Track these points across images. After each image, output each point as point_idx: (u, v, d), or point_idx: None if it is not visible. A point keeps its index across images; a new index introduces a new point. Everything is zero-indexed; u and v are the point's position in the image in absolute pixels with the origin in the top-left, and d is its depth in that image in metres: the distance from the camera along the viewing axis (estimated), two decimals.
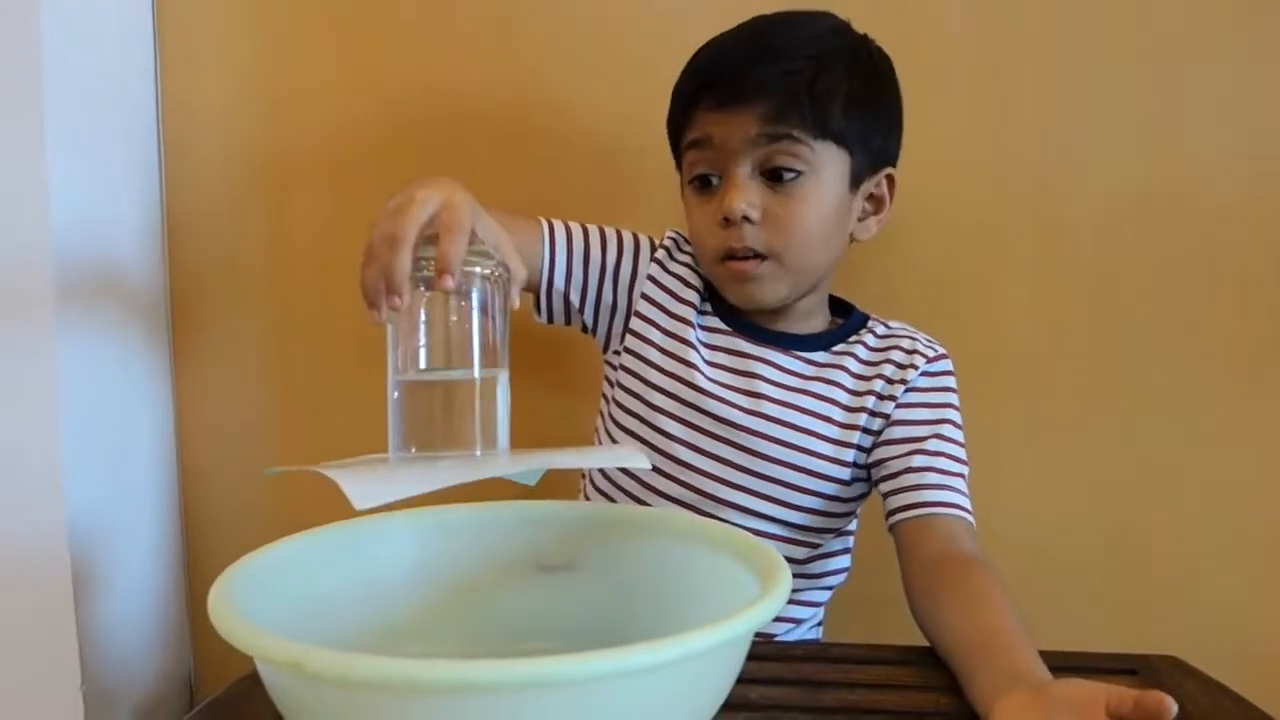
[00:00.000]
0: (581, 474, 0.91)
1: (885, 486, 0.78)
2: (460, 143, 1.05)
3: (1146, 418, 0.99)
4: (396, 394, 0.59)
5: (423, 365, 0.59)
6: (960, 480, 0.77)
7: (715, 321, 0.85)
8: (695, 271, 0.86)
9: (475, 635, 0.63)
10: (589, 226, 0.86)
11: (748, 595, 0.51)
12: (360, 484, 0.49)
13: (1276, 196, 0.96)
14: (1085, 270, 0.99)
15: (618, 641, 0.41)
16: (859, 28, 0.82)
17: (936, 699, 0.61)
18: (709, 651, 0.43)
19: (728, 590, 0.55)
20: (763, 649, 0.68)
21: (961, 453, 0.79)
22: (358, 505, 0.48)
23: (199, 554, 1.12)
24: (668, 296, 0.85)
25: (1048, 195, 0.98)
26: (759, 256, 0.79)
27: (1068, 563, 1.00)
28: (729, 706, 0.56)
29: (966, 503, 0.77)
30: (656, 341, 0.84)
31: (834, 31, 0.80)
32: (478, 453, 0.58)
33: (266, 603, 0.53)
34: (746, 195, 0.77)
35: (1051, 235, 0.99)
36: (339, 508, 0.59)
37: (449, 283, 0.56)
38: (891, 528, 0.77)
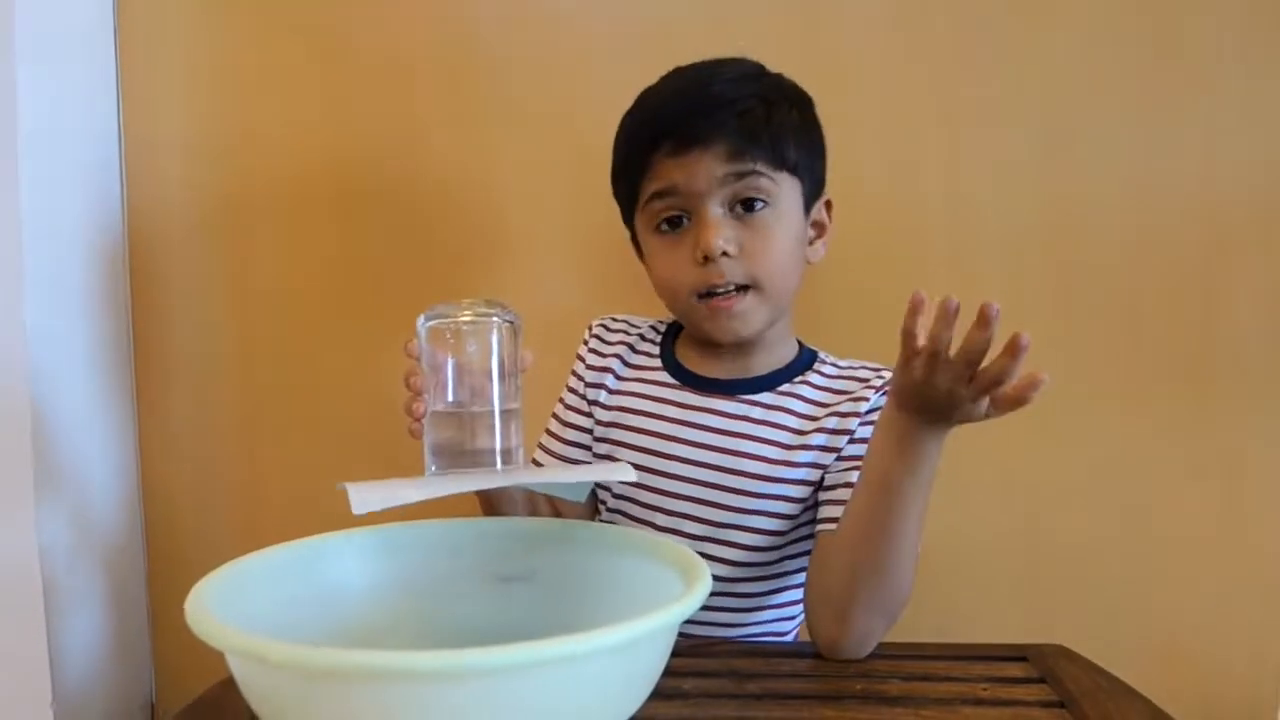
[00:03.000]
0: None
1: (821, 496, 0.83)
2: (413, 182, 1.12)
3: (1048, 431, 1.07)
4: (429, 421, 0.69)
5: (450, 399, 0.69)
6: None
7: (664, 376, 0.90)
8: (633, 336, 0.93)
9: (439, 640, 0.65)
10: (558, 423, 0.93)
11: (675, 597, 0.55)
12: (361, 492, 0.58)
13: (1164, 221, 1.05)
14: (990, 295, 1.06)
15: None
16: (772, 68, 0.87)
17: (851, 684, 0.68)
18: (624, 645, 0.49)
19: (659, 593, 0.59)
20: (696, 647, 0.75)
21: None
22: (356, 510, 0.56)
23: (159, 581, 1.16)
24: (608, 375, 0.92)
25: (954, 226, 1.07)
26: (740, 289, 0.82)
27: (976, 565, 1.08)
28: (664, 696, 0.63)
29: None
30: (604, 416, 0.90)
31: (763, 72, 0.86)
32: (497, 470, 0.68)
33: (237, 611, 0.56)
34: (722, 232, 0.80)
35: (959, 264, 1.07)
36: (294, 534, 0.66)
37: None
38: (816, 535, 0.82)
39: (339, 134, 1.12)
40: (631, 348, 0.93)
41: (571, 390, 0.94)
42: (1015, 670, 0.72)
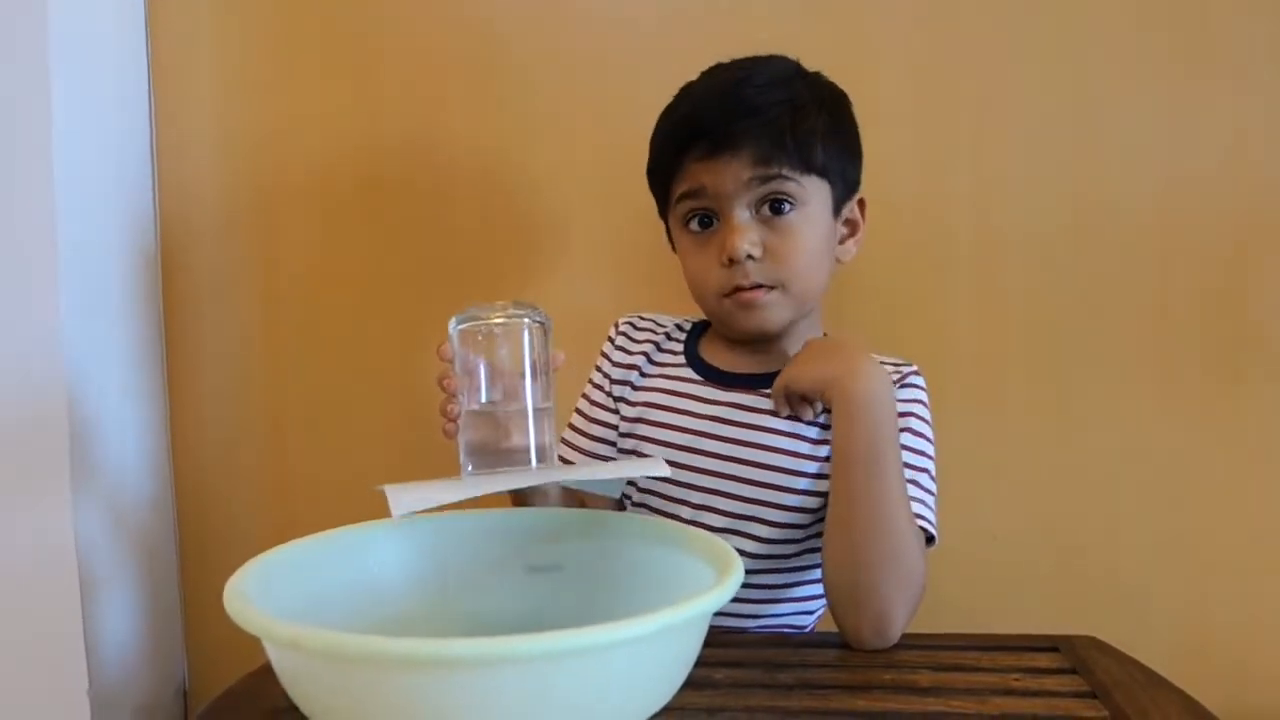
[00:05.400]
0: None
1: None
2: (442, 180, 1.12)
3: (1077, 424, 1.07)
4: (463, 422, 0.71)
5: (484, 399, 0.70)
6: (911, 487, 0.81)
7: (688, 372, 0.90)
8: (659, 335, 0.94)
9: (472, 630, 0.66)
10: (583, 419, 0.93)
11: (706, 588, 0.55)
12: (399, 494, 0.60)
13: (1192, 216, 1.04)
14: (1018, 290, 1.07)
15: None
16: (808, 64, 0.88)
17: (881, 675, 0.68)
18: (658, 634, 0.49)
19: (690, 583, 0.60)
20: (725, 637, 0.75)
21: (918, 460, 0.83)
22: (395, 513, 0.57)
23: (191, 572, 1.18)
24: (634, 373, 0.92)
25: (981, 222, 1.06)
26: (765, 286, 0.83)
27: (1006, 556, 1.08)
28: (696, 686, 0.63)
29: (916, 508, 0.80)
30: (629, 413, 0.91)
31: (796, 74, 0.86)
32: (533, 468, 0.69)
33: (273, 600, 0.57)
34: (748, 235, 0.82)
35: (986, 260, 1.07)
36: (324, 526, 0.67)
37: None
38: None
39: (369, 132, 1.12)
40: (657, 346, 0.94)
41: (597, 387, 0.94)
42: (1046, 661, 0.71)
